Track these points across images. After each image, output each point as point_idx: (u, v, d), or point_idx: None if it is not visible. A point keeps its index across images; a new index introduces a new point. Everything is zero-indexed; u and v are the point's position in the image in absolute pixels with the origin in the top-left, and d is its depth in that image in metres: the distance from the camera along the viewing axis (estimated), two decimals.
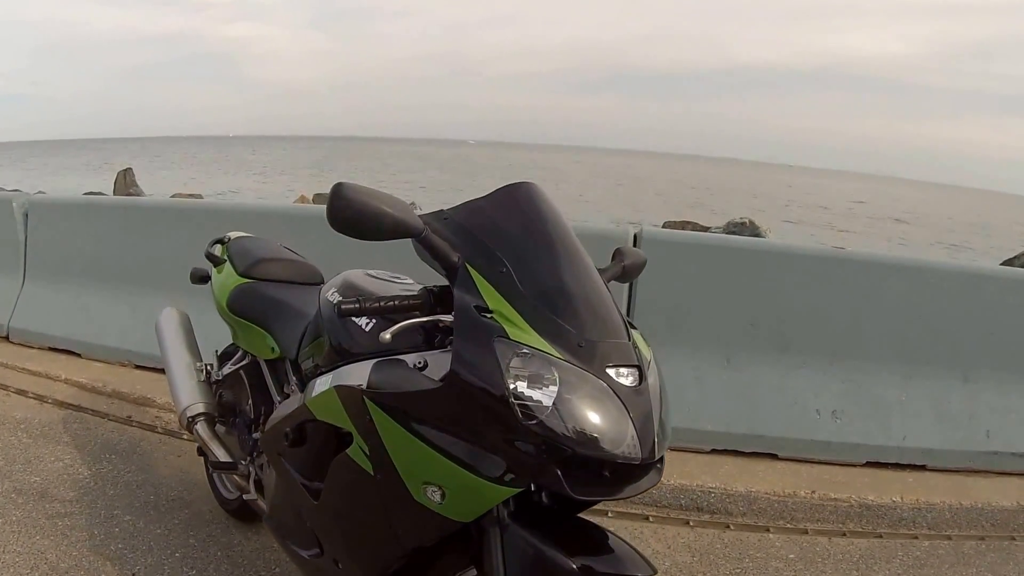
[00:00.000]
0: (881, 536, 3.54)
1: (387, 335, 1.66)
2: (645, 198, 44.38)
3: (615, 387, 1.54)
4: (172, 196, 19.77)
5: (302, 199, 19.73)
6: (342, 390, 1.84)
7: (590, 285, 1.69)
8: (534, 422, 1.48)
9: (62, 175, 47.24)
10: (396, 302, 1.75)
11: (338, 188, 1.61)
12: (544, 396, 1.49)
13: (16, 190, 21.21)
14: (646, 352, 1.69)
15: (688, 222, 17.24)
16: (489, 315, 1.59)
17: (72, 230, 5.56)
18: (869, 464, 3.96)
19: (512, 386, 1.49)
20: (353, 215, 1.60)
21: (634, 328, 1.76)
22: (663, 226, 17.09)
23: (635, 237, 4.10)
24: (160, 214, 5.45)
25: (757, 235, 12.77)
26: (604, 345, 1.58)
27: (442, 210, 1.80)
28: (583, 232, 4.41)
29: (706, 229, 15.82)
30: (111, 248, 5.40)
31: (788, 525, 3.55)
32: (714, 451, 3.97)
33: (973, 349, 4.10)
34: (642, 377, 1.60)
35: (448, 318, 1.69)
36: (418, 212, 1.72)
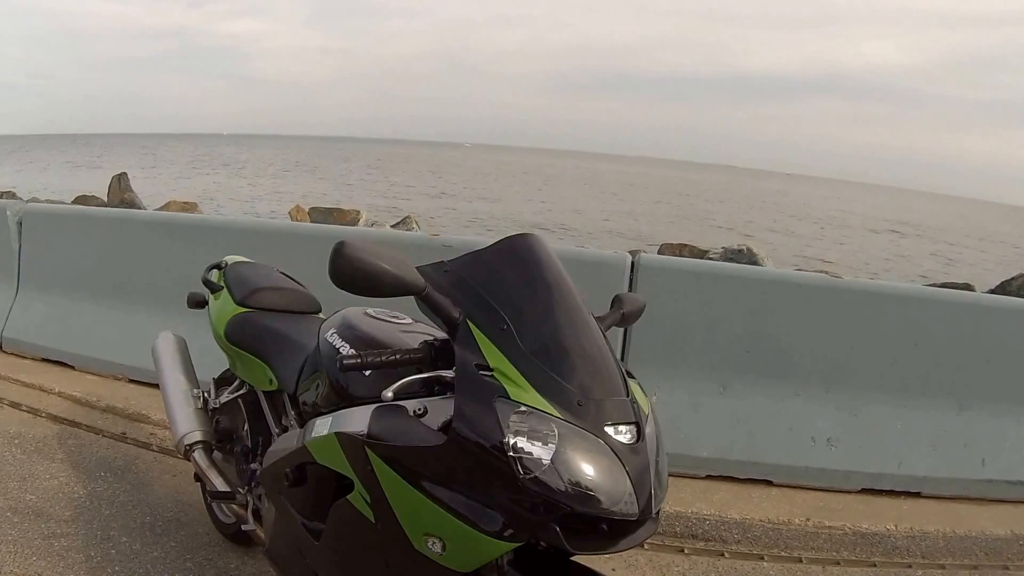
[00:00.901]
0: (875, 565, 3.55)
1: (389, 393, 1.69)
2: (638, 208, 44.34)
3: (613, 445, 1.57)
4: (167, 204, 19.74)
5: (297, 210, 19.64)
6: (343, 437, 1.85)
7: (590, 340, 1.71)
8: (531, 477, 1.50)
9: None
10: (398, 356, 1.77)
11: (339, 247, 1.64)
12: (543, 453, 1.52)
13: (10, 191, 21.15)
14: (644, 406, 1.71)
15: (685, 245, 17.26)
16: (490, 373, 1.61)
17: (67, 240, 5.54)
18: (864, 491, 3.97)
19: (511, 442, 1.52)
20: (354, 274, 1.64)
21: (632, 378, 1.78)
22: (660, 248, 17.09)
23: (632, 264, 4.12)
24: (155, 228, 5.43)
25: (754, 262, 12.84)
26: (603, 403, 1.61)
27: (443, 261, 1.81)
28: (581, 259, 4.45)
29: (704, 252, 15.84)
30: (106, 260, 5.38)
31: (783, 553, 3.56)
32: (709, 477, 3.98)
33: (969, 377, 4.11)
34: (640, 434, 1.62)
35: (449, 373, 1.71)
36: (417, 265, 1.74)
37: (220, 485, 2.87)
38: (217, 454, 3.05)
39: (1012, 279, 14.56)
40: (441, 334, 1.83)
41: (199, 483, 3.16)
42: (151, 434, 4.30)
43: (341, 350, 2.09)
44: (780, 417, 4.04)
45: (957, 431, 4.07)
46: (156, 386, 3.35)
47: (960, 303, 4.28)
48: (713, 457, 3.98)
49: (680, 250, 16.52)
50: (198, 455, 2.94)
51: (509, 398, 1.56)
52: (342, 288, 1.67)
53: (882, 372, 4.10)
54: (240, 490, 2.81)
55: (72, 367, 5.21)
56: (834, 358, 4.11)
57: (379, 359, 1.75)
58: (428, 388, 1.77)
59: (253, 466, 2.75)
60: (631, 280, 4.12)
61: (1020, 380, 4.16)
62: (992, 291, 14.51)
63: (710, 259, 13.49)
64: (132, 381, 4.95)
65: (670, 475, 1.75)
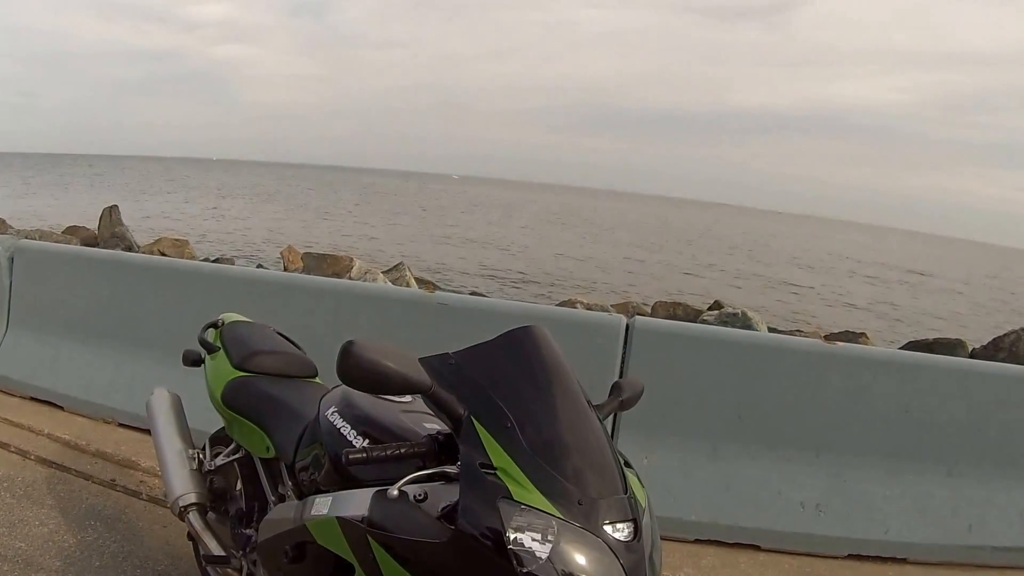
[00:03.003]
0: None
1: (394, 491, 1.73)
2: (616, 250, 44.17)
3: (611, 543, 1.62)
4: (158, 240, 19.68)
5: (289, 251, 19.57)
6: (344, 522, 1.87)
7: (590, 436, 1.76)
8: (528, 572, 1.55)
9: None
10: (402, 451, 1.81)
11: (348, 347, 1.71)
12: (541, 549, 1.57)
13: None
14: (641, 499, 1.77)
15: (679, 304, 17.39)
16: (493, 472, 1.66)
17: (58, 279, 5.55)
18: (851, 556, 3.99)
19: (512, 537, 1.57)
20: (362, 374, 1.71)
21: (629, 468, 1.84)
22: (653, 307, 17.17)
23: (627, 327, 4.18)
24: (149, 272, 5.45)
25: (748, 326, 12.97)
26: (602, 502, 1.66)
27: (448, 354, 1.86)
28: (576, 321, 4.49)
29: (698, 312, 15.94)
30: (97, 302, 5.40)
31: None
32: (697, 541, 4.00)
33: (958, 443, 4.16)
34: (637, 530, 1.67)
35: (452, 469, 1.75)
36: (421, 356, 1.80)
37: (215, 549, 2.87)
38: (211, 515, 3.05)
39: (1004, 336, 14.60)
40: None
41: (191, 542, 3.15)
42: (141, 482, 4.29)
43: (343, 431, 2.12)
44: (770, 482, 4.07)
45: (945, 497, 4.10)
46: (146, 431, 3.34)
47: (950, 369, 4.32)
48: (702, 521, 4.00)
49: (674, 308, 16.60)
50: (193, 517, 2.94)
51: (512, 498, 1.61)
52: (350, 386, 1.74)
53: (872, 437, 4.14)
54: (235, 554, 2.81)
55: (61, 408, 5.20)
56: (825, 423, 4.15)
57: (384, 453, 1.79)
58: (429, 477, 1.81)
59: (248, 531, 2.75)
60: (625, 342, 4.17)
61: (1007, 446, 4.19)
62: (984, 347, 14.53)
63: (705, 321, 13.64)
64: (122, 425, 4.95)
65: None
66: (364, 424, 2.11)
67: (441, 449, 1.82)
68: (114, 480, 4.28)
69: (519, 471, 1.64)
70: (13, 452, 4.54)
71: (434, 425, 2.01)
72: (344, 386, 2.34)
